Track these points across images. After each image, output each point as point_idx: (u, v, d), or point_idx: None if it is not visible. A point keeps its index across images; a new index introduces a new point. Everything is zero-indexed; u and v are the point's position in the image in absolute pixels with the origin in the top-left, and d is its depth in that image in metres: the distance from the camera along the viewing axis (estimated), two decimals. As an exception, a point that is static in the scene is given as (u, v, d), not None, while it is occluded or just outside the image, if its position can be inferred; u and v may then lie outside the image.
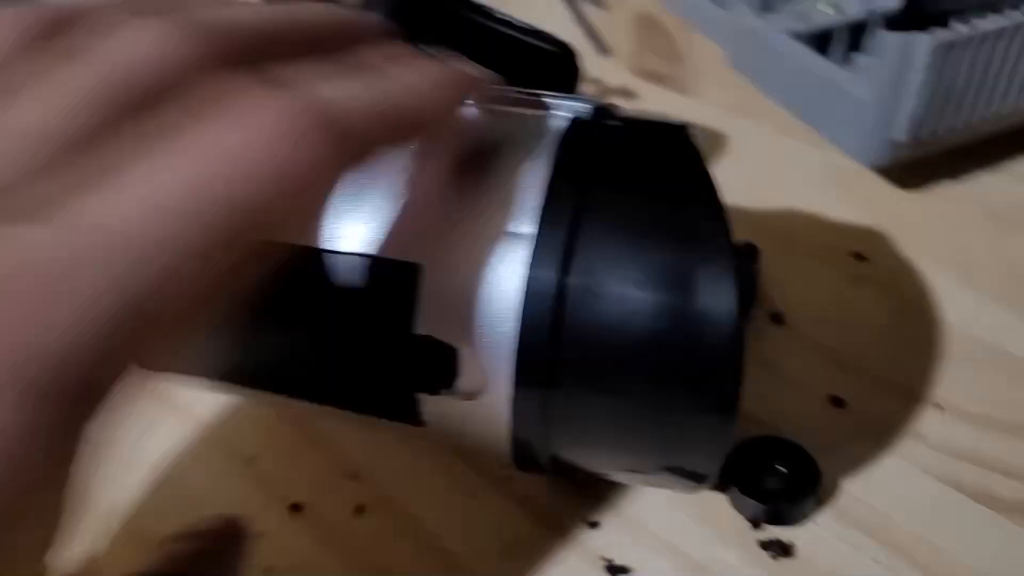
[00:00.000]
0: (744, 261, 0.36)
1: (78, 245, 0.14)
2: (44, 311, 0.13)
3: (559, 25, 0.52)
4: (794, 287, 0.36)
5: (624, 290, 0.21)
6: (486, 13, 0.33)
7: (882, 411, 0.31)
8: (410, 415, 0.24)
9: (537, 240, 0.21)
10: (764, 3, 0.41)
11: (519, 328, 0.21)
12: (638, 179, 0.23)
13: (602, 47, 0.50)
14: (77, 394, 0.14)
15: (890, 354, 0.33)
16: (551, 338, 0.21)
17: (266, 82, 0.17)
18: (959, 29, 0.34)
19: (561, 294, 0.21)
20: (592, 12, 0.53)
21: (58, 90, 0.17)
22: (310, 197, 0.18)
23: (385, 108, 0.19)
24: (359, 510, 0.29)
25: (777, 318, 0.35)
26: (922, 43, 0.33)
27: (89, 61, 0.17)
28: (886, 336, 0.34)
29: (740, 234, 0.36)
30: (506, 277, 0.21)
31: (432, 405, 0.23)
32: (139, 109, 0.17)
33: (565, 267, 0.21)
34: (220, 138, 0.16)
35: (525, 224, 0.21)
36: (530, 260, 0.21)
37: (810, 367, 0.33)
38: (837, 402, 0.32)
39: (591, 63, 0.50)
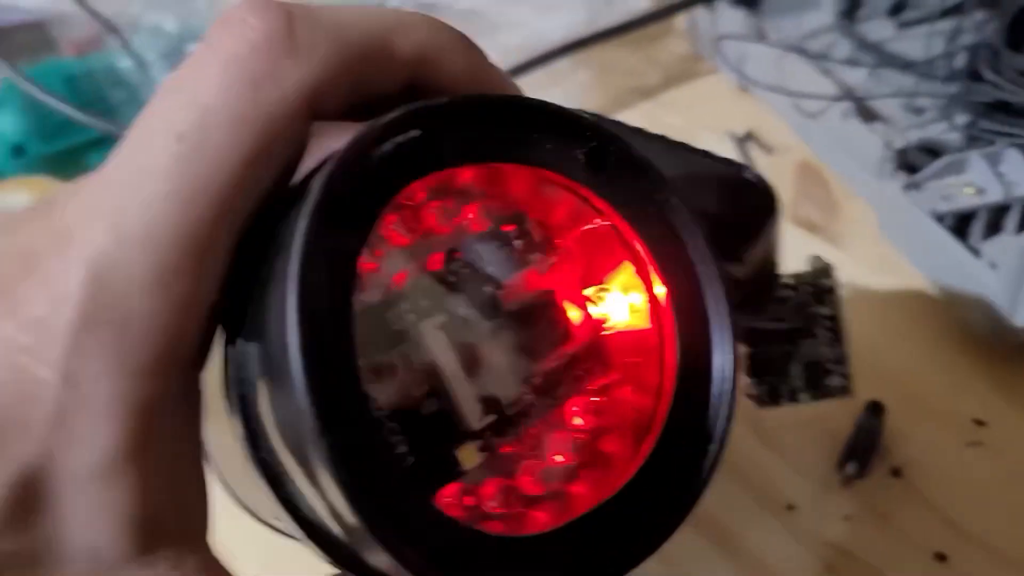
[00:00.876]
0: (869, 417, 0.41)
1: None
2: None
3: (728, 167, 0.59)
4: (915, 445, 0.41)
5: None
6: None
7: (979, 571, 0.36)
8: None
9: None
10: (912, 182, 0.47)
11: None
12: None
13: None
14: None
15: (996, 518, 0.38)
16: None
17: None
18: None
19: None
20: (759, 157, 0.60)
21: None
22: (266, 79, 0.18)
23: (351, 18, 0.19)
24: None
25: (896, 472, 0.40)
26: (1044, 247, 0.38)
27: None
28: (995, 501, 0.39)
29: (870, 391, 0.42)
30: None
31: None
32: None
33: None
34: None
35: None
36: None
37: (921, 522, 0.38)
38: (940, 558, 0.37)
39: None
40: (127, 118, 0.59)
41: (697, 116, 0.65)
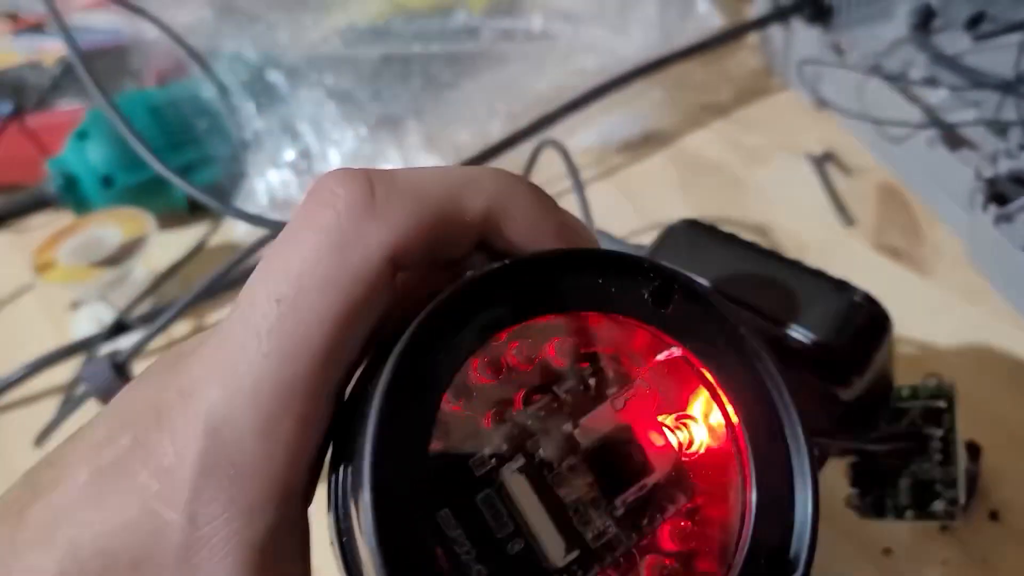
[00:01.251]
0: (966, 459, 0.41)
1: None
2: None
3: (807, 191, 0.59)
4: (1013, 486, 0.41)
5: None
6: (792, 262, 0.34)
7: (1082, 620, 0.36)
8: None
9: None
10: (1003, 214, 0.46)
11: None
12: None
13: (847, 217, 0.56)
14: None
15: (1099, 564, 0.38)
16: None
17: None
18: None
19: None
20: (838, 179, 0.59)
21: None
22: (352, 243, 0.20)
23: (432, 183, 0.21)
24: None
25: (994, 515, 0.40)
26: None
27: None
28: (1097, 546, 0.38)
29: (964, 430, 0.42)
30: None
31: None
32: None
33: None
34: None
35: None
36: None
37: (1019, 566, 0.38)
38: (1043, 604, 0.37)
39: (833, 232, 0.56)
40: (211, 146, 0.60)
41: (773, 135, 0.64)
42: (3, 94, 0.70)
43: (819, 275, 0.32)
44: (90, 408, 0.49)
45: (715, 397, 0.22)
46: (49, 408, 0.51)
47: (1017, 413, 0.44)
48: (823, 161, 0.60)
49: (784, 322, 0.29)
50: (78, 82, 0.55)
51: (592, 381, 0.22)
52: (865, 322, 0.30)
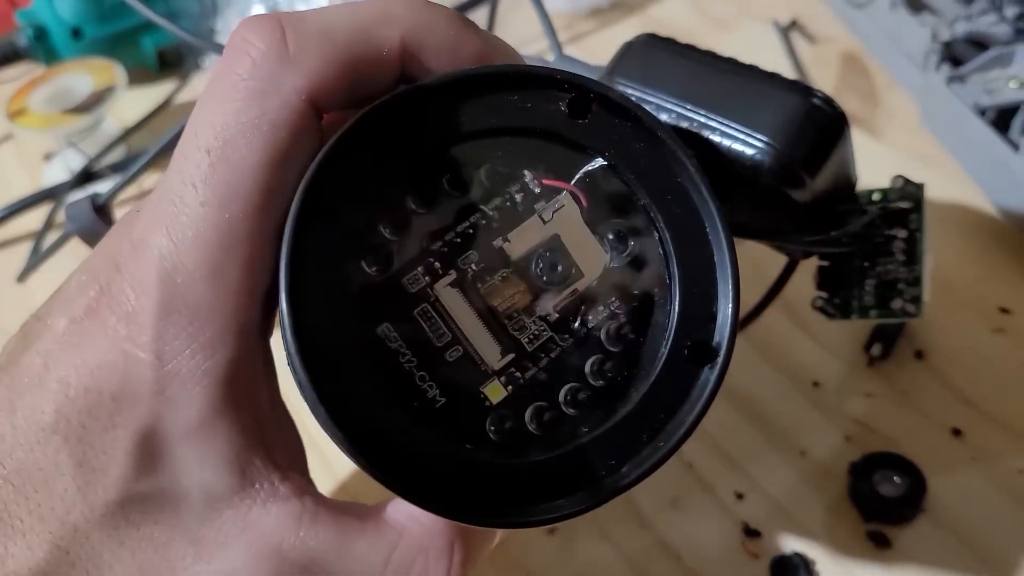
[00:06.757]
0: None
1: None
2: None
3: (770, 57, 0.59)
4: (940, 330, 0.43)
5: None
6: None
7: (992, 446, 0.38)
8: None
9: None
10: (956, 74, 0.47)
11: None
12: None
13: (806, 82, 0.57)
14: None
15: (1014, 400, 0.40)
16: None
17: None
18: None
19: None
20: (802, 46, 0.60)
21: None
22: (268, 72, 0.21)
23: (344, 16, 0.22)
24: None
25: (919, 355, 0.42)
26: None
27: None
28: (1012, 383, 0.41)
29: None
30: None
31: None
32: None
33: None
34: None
35: None
36: None
37: (940, 401, 0.40)
38: (956, 432, 0.39)
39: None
40: (179, 1, 0.60)
41: (743, 3, 0.64)
42: (-29, -50, 0.70)
43: (775, 78, 0.31)
44: (72, 246, 0.51)
45: (640, 201, 0.23)
46: (23, 249, 0.53)
47: (954, 268, 0.45)
48: (788, 29, 0.61)
49: (740, 128, 0.29)
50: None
51: (520, 197, 0.23)
52: (824, 120, 0.29)
